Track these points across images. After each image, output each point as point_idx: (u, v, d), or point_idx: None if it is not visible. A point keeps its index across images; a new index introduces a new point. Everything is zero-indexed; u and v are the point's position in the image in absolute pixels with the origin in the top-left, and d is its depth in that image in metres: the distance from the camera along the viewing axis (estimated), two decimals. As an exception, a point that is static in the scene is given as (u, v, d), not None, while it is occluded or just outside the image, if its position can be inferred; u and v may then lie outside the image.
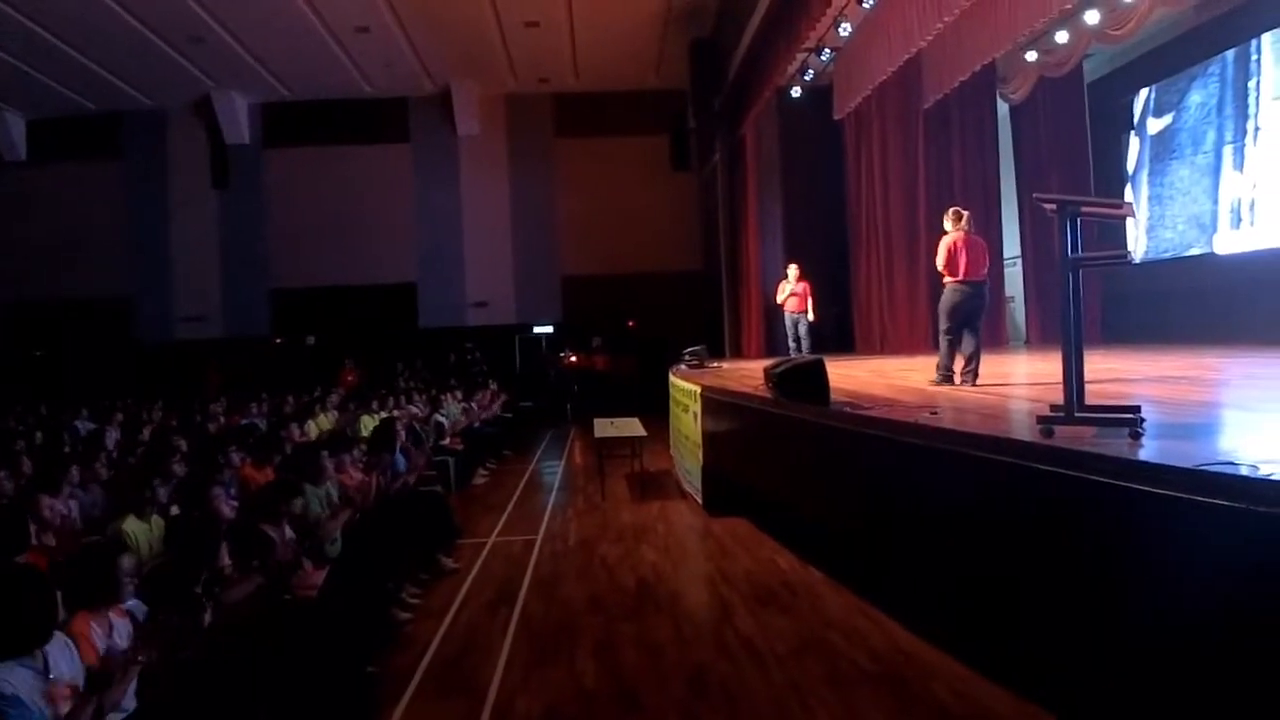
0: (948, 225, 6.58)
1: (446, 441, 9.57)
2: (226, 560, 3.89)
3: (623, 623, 4.81)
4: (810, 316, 10.48)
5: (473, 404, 12.16)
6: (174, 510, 4.72)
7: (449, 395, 12.14)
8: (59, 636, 2.71)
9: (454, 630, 4.84)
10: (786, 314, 10.64)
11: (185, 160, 17.60)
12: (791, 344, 10.56)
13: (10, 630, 2.47)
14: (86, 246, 17.28)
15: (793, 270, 10.65)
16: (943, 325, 6.53)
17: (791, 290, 10.52)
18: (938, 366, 6.46)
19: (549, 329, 18.04)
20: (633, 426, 9.04)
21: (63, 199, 17.36)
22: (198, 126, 17.42)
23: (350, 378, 15.60)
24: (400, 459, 6.92)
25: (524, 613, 5.08)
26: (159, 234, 17.59)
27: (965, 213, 6.60)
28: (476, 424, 11.27)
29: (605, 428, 9.14)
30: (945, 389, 6.16)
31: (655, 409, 10.95)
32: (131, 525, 4.43)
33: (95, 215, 17.43)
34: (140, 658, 2.77)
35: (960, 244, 6.41)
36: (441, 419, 10.29)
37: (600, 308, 17.49)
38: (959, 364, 6.42)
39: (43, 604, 2.61)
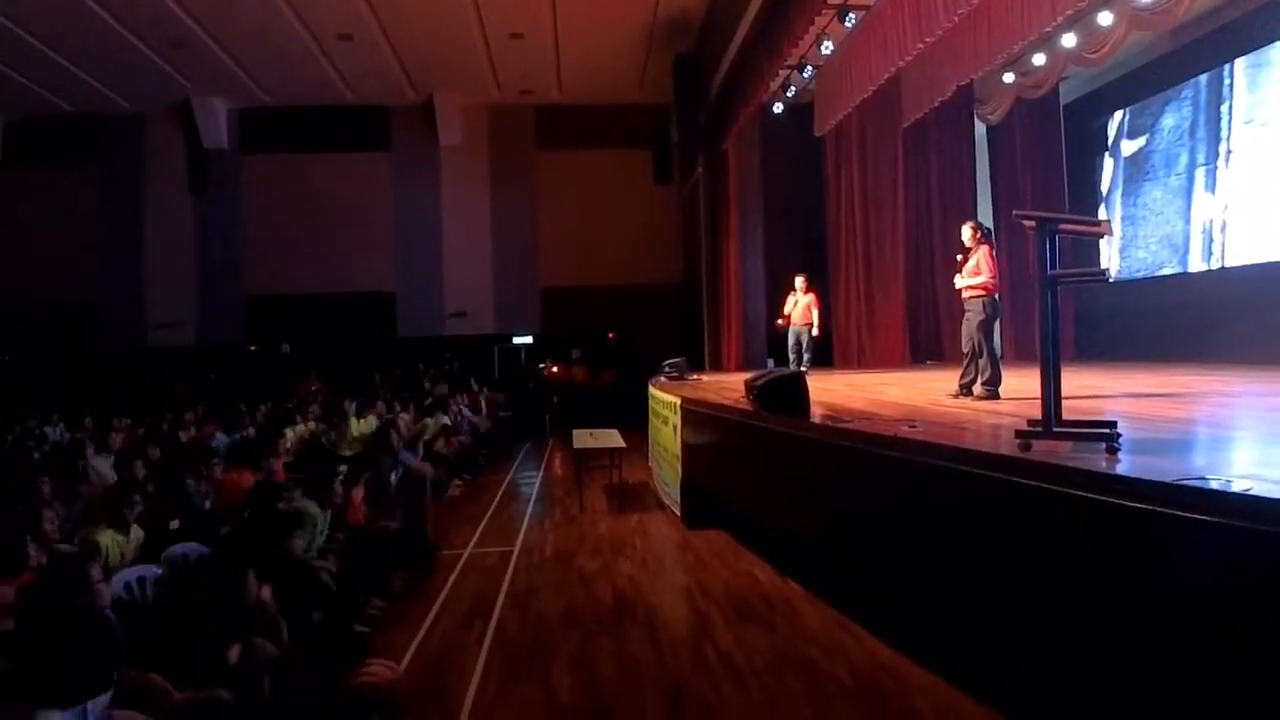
0: (972, 238, 6.56)
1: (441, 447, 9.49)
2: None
3: (599, 637, 4.75)
4: (814, 330, 10.42)
5: (463, 409, 11.94)
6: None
7: (454, 399, 11.90)
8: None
9: (428, 644, 4.76)
10: (790, 326, 10.57)
11: (162, 165, 17.38)
12: (792, 356, 10.48)
13: (62, 677, 2.31)
14: (60, 250, 17.04)
15: (800, 281, 10.60)
16: (987, 339, 6.39)
17: (798, 301, 10.48)
18: (987, 381, 6.31)
19: (528, 340, 17.99)
20: (612, 438, 9.00)
21: (37, 202, 17.09)
22: (176, 131, 17.23)
23: (314, 388, 15.29)
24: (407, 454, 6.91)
25: (499, 627, 5.01)
26: (133, 238, 17.35)
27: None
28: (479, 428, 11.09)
29: (584, 439, 9.09)
30: (985, 402, 6.09)
31: (634, 421, 10.92)
32: (107, 537, 4.34)
33: (69, 218, 17.19)
34: None
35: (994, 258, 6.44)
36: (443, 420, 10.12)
37: (580, 319, 17.47)
38: (980, 377, 6.38)
39: (105, 650, 2.46)
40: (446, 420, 10.35)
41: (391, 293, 17.65)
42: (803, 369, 9.01)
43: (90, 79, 15.49)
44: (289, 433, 9.02)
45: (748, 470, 6.14)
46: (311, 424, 9.75)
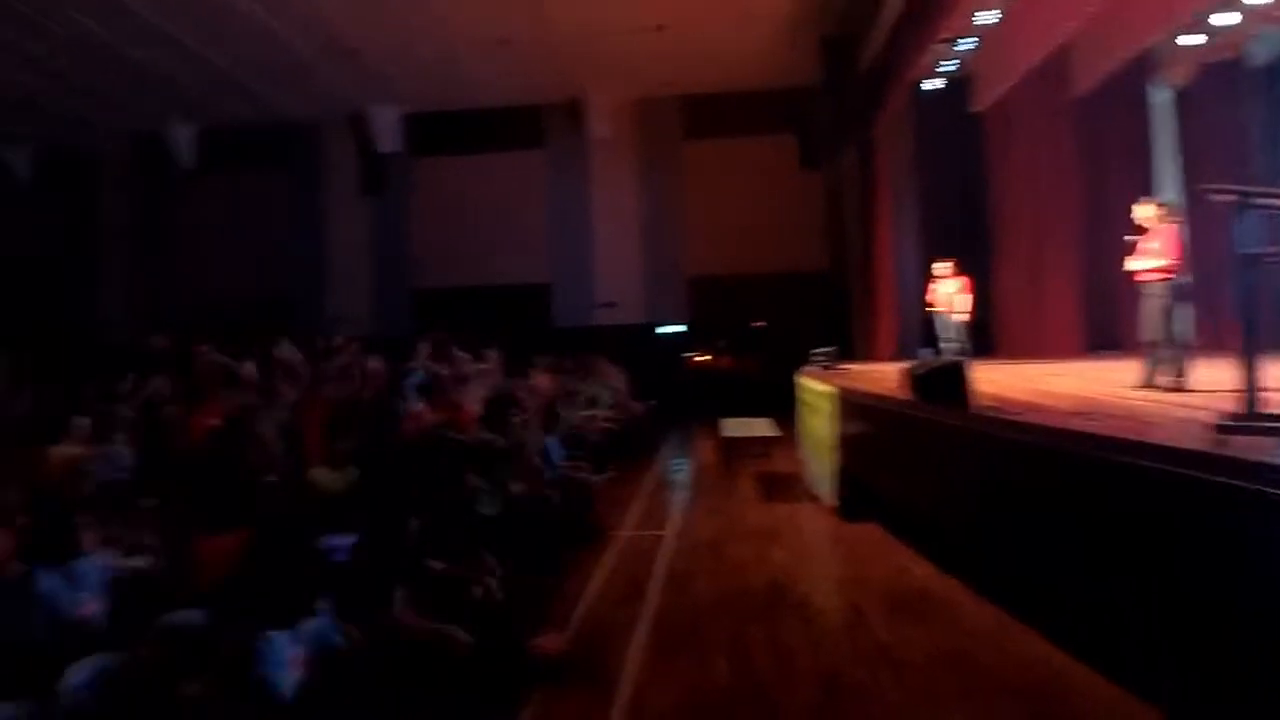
0: (1151, 213, 6.13)
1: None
2: None
3: (753, 623, 4.80)
4: (967, 317, 10.03)
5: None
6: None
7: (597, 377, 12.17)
8: None
9: (587, 620, 4.99)
10: (939, 313, 10.22)
11: (340, 169, 18.92)
12: (945, 345, 10.13)
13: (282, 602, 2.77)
14: (251, 249, 18.90)
15: (944, 267, 10.22)
16: (1172, 325, 5.96)
17: (945, 288, 10.14)
18: (1174, 371, 5.86)
19: (677, 329, 18.17)
20: (762, 427, 9.01)
21: (229, 204, 19.05)
22: (351, 137, 18.66)
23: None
24: (553, 445, 7.29)
25: (656, 606, 5.17)
26: (315, 238, 19.05)
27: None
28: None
29: (733, 428, 9.14)
30: (1172, 394, 5.63)
31: (782, 410, 10.81)
32: (322, 474, 4.83)
33: (256, 220, 19.04)
34: None
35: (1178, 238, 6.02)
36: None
37: (727, 308, 17.47)
38: (1166, 366, 5.94)
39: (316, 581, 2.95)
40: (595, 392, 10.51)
41: (546, 284, 18.34)
42: (963, 358, 8.67)
43: (272, 90, 16.96)
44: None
45: (905, 462, 5.99)
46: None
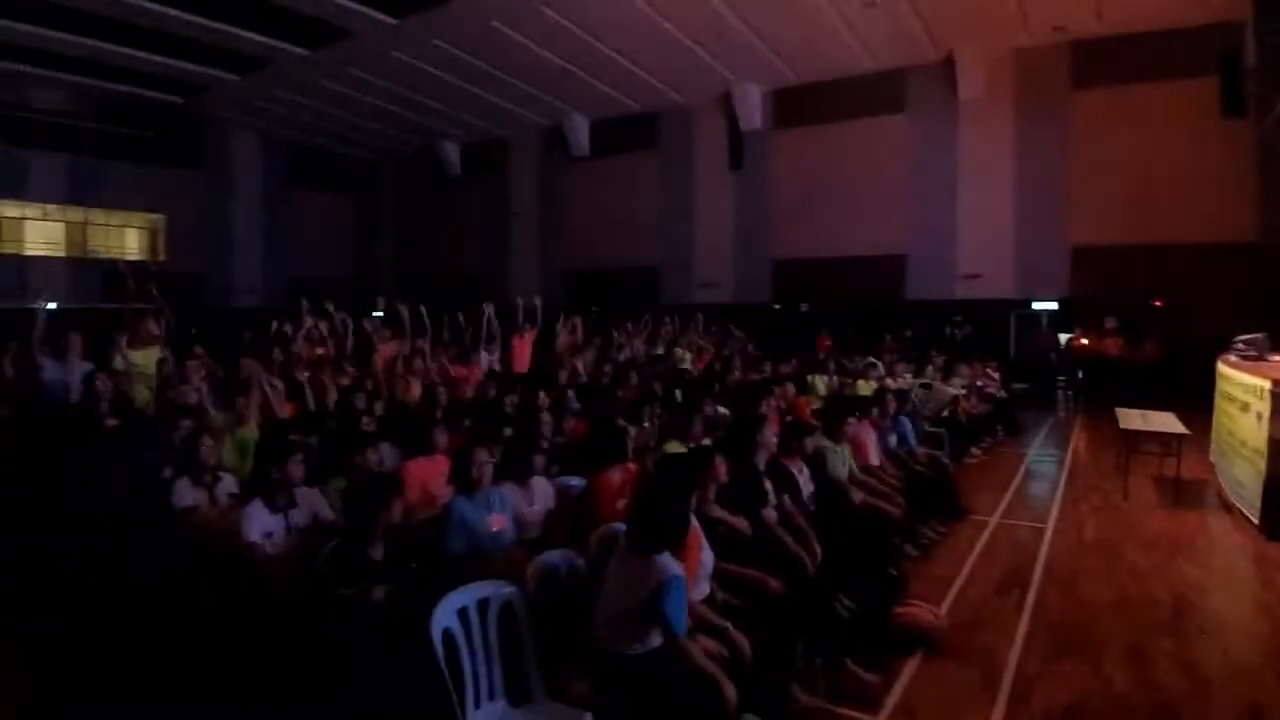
0: None
1: (946, 414, 9.57)
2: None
3: (1156, 637, 4.49)
4: None
5: (973, 381, 11.62)
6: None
7: (963, 368, 11.75)
8: None
9: (962, 602, 5.02)
10: None
11: (707, 148, 20.27)
12: None
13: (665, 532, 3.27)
14: (628, 224, 21.38)
15: None
16: None
17: None
18: None
19: (1051, 305, 16.46)
20: (1168, 422, 7.95)
21: (614, 184, 21.77)
22: (718, 117, 19.85)
23: (827, 344, 15.93)
24: (907, 424, 7.32)
25: (1039, 601, 5.03)
26: (685, 212, 20.75)
27: None
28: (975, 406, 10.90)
29: (1132, 420, 8.19)
30: None
31: (1182, 404, 9.39)
32: (673, 447, 5.47)
33: (635, 198, 21.49)
34: None
35: None
36: (934, 388, 10.21)
37: (1117, 283, 15.36)
38: None
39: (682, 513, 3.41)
40: (953, 392, 10.19)
41: (902, 255, 17.76)
42: None
43: (654, 81, 18.65)
44: (815, 380, 10.00)
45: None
46: (834, 378, 10.44)
